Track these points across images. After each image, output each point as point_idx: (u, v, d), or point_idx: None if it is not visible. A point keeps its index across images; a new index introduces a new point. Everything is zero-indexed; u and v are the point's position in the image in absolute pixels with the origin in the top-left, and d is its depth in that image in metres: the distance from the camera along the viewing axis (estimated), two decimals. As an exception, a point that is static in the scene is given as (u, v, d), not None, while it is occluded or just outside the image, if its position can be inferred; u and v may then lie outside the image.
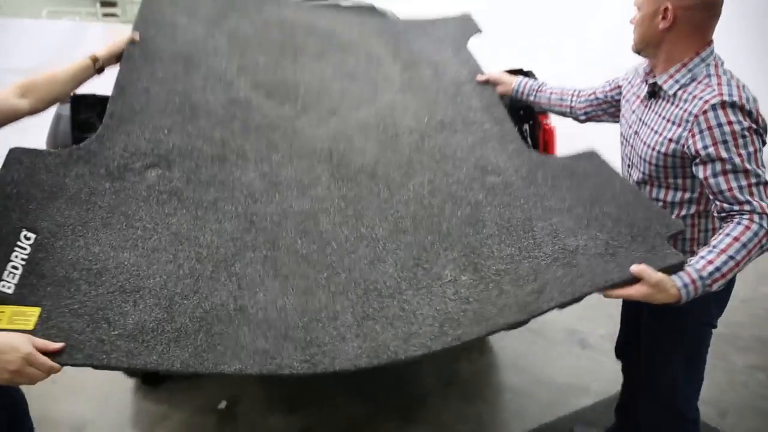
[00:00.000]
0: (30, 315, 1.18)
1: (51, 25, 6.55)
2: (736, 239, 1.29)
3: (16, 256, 1.25)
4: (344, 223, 1.53)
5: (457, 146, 1.78)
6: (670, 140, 1.44)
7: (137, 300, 1.27)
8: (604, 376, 2.70)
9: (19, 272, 1.23)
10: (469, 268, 1.43)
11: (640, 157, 1.55)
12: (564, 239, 1.44)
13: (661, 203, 1.54)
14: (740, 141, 1.33)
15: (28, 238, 1.29)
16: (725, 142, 1.33)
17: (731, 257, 1.28)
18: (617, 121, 1.78)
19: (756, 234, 1.29)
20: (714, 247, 1.30)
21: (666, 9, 1.41)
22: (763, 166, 1.34)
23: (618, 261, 1.31)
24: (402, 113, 1.87)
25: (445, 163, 1.72)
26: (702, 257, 1.29)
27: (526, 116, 2.35)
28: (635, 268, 1.24)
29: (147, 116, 1.64)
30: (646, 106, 1.56)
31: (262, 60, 1.93)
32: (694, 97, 1.40)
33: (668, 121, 1.46)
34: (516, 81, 2.04)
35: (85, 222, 1.38)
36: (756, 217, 1.30)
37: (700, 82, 1.42)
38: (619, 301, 1.89)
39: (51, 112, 1.89)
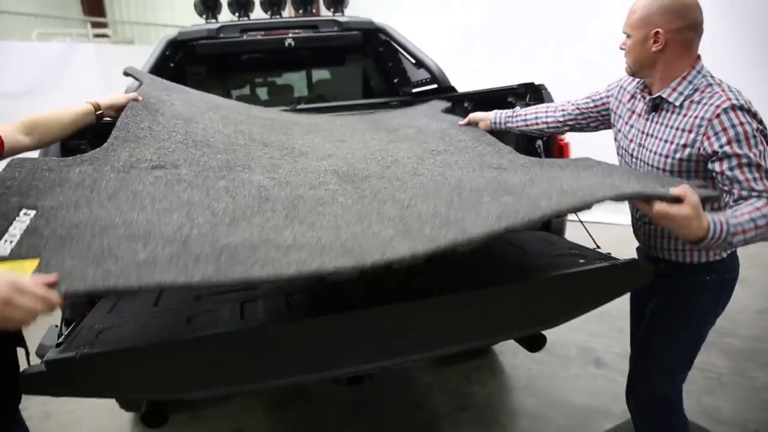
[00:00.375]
0: (27, 266, 1.07)
1: (41, 47, 6.48)
2: (758, 209, 1.40)
3: (14, 228, 1.17)
4: (362, 197, 1.46)
5: (455, 162, 1.81)
6: (685, 146, 1.54)
7: (148, 241, 1.15)
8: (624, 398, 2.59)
9: (16, 239, 1.15)
10: (507, 195, 1.37)
11: (652, 166, 1.63)
12: (595, 184, 1.40)
13: None
14: (752, 141, 1.45)
15: (27, 214, 1.22)
16: (739, 141, 1.45)
17: (753, 220, 1.38)
18: (597, 131, 1.95)
19: None
20: (736, 210, 1.41)
21: (657, 33, 1.54)
22: None
23: (659, 186, 1.39)
24: (395, 151, 1.92)
25: (449, 168, 1.73)
26: (726, 214, 1.40)
27: None
28: (677, 189, 1.32)
29: (151, 140, 1.64)
30: (647, 120, 1.66)
31: (256, 130, 2.02)
32: (704, 104, 1.52)
33: (678, 129, 1.56)
34: (492, 114, 2.15)
35: (89, 199, 1.30)
36: None
37: (703, 92, 1.54)
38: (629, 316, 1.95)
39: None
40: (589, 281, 1.56)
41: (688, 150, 1.53)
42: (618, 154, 1.78)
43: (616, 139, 1.80)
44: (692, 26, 1.54)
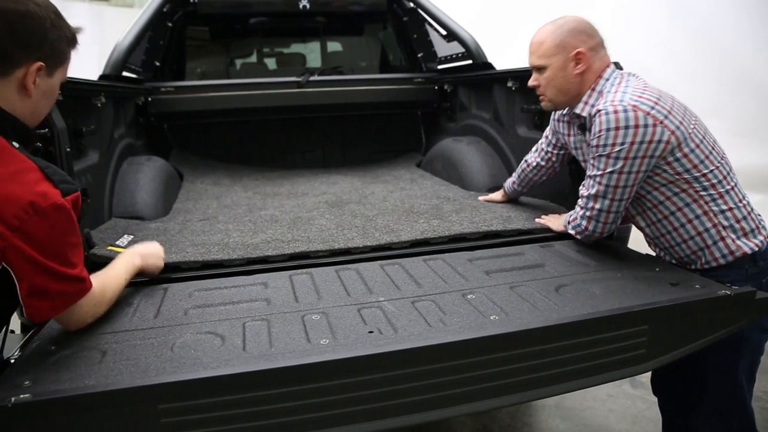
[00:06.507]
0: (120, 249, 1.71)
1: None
2: (573, 213, 1.69)
3: (123, 239, 1.84)
4: (342, 215, 2.19)
5: (415, 194, 2.54)
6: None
7: (204, 244, 1.84)
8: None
9: (126, 241, 1.83)
10: (437, 219, 2.04)
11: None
12: (495, 218, 2.01)
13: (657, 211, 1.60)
14: (602, 149, 1.48)
15: (128, 236, 1.89)
16: (598, 146, 1.50)
17: (569, 222, 1.71)
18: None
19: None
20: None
21: (578, 54, 1.57)
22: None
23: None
24: (374, 188, 2.76)
25: (408, 198, 2.47)
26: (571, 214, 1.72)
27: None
28: (540, 220, 1.92)
29: (195, 212, 2.36)
30: (586, 142, 1.64)
31: (269, 189, 2.82)
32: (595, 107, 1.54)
33: (589, 143, 1.58)
34: (506, 184, 2.24)
35: (162, 233, 2.00)
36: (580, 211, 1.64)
37: (604, 97, 1.54)
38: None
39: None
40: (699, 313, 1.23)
41: None
42: None
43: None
44: (602, 42, 1.61)
